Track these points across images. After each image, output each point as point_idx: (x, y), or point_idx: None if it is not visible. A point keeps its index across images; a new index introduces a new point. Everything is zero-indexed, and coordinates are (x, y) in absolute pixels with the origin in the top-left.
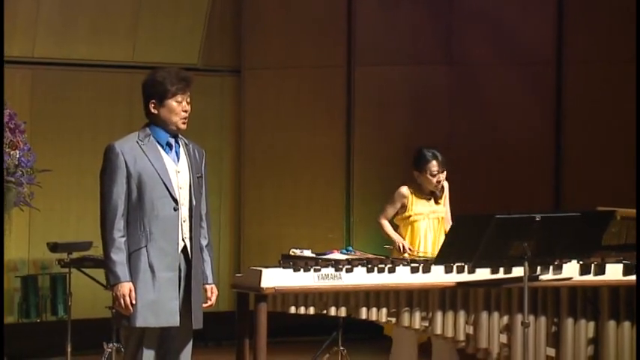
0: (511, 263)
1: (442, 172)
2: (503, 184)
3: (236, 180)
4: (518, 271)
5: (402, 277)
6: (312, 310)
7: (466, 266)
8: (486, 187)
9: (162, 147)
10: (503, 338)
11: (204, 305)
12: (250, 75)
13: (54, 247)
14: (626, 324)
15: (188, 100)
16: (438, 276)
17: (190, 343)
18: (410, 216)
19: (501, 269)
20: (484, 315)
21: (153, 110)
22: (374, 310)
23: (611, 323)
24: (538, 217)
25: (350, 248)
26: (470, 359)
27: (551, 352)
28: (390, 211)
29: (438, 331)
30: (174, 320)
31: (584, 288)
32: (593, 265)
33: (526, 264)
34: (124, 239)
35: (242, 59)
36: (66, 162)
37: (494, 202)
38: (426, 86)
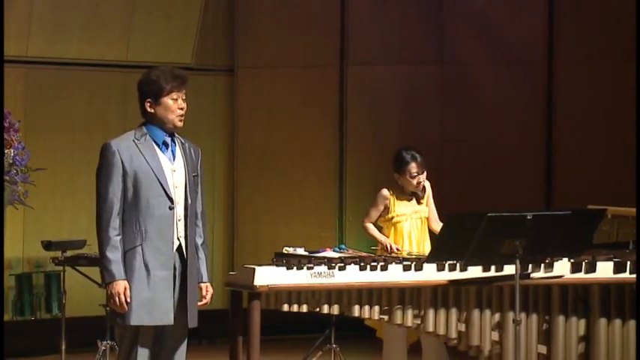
0: (503, 261)
1: (422, 173)
2: (495, 182)
3: (229, 179)
4: (509, 269)
5: (395, 275)
6: (305, 308)
7: (458, 264)
8: (478, 185)
9: (158, 146)
10: (495, 336)
11: (199, 304)
12: (243, 74)
13: (48, 246)
14: (617, 322)
15: (184, 97)
16: (430, 274)
17: (185, 342)
18: (393, 217)
19: (493, 267)
20: (476, 313)
21: (149, 109)
22: (366, 307)
23: (602, 321)
24: (529, 216)
25: (343, 246)
26: (461, 357)
27: (543, 349)
28: (374, 214)
29: (430, 329)
30: (169, 319)
31: (575, 286)
32: (584, 263)
33: (517, 262)
34: (119, 237)
35: (235, 59)
36: (60, 160)
37: (486, 201)
38: (417, 85)
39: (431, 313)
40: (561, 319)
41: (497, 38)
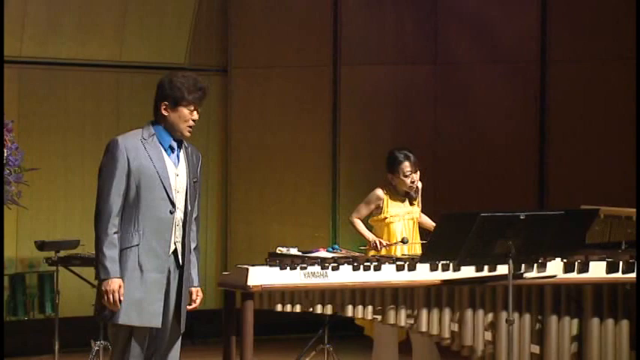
0: (496, 261)
1: (415, 172)
2: (488, 182)
3: (223, 179)
4: (502, 269)
5: (388, 275)
6: (298, 308)
7: (451, 264)
8: (471, 185)
9: (164, 149)
10: (488, 335)
11: (188, 308)
12: (237, 74)
13: (41, 246)
14: (609, 321)
15: (199, 110)
16: (424, 274)
17: (179, 344)
18: (386, 218)
19: (486, 267)
20: (469, 312)
21: (163, 112)
22: (360, 307)
23: (595, 320)
24: (522, 216)
25: (336, 246)
26: (454, 357)
27: (536, 349)
28: (364, 211)
29: (423, 329)
30: (157, 322)
31: (567, 286)
32: (576, 263)
33: (510, 262)
34: (117, 235)
35: (228, 59)
36: (53, 160)
37: (479, 201)
38: (411, 85)
39: (424, 313)
40: (554, 318)
41: (490, 38)
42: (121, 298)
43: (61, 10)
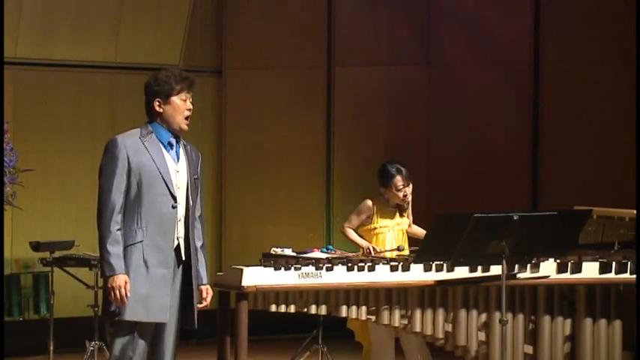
0: (489, 262)
1: (408, 186)
2: (482, 183)
3: (217, 179)
4: (496, 270)
5: (382, 275)
6: (292, 308)
7: (445, 265)
8: (465, 186)
9: (163, 145)
10: (482, 336)
11: (200, 306)
12: (231, 75)
13: (36, 246)
14: (602, 321)
15: (191, 99)
16: (417, 274)
17: (177, 341)
18: (375, 228)
19: (479, 268)
20: (462, 313)
21: (157, 108)
22: (354, 308)
23: (588, 321)
24: (516, 216)
25: (330, 247)
26: (447, 357)
27: (529, 349)
28: (355, 221)
29: (417, 329)
30: (164, 316)
31: (561, 286)
32: (570, 263)
33: (504, 262)
34: (120, 232)
35: (223, 60)
36: (48, 161)
37: (473, 202)
38: (405, 86)
39: (418, 313)
40: (547, 319)
41: (484, 39)
42: (128, 294)
43: (57, 12)
